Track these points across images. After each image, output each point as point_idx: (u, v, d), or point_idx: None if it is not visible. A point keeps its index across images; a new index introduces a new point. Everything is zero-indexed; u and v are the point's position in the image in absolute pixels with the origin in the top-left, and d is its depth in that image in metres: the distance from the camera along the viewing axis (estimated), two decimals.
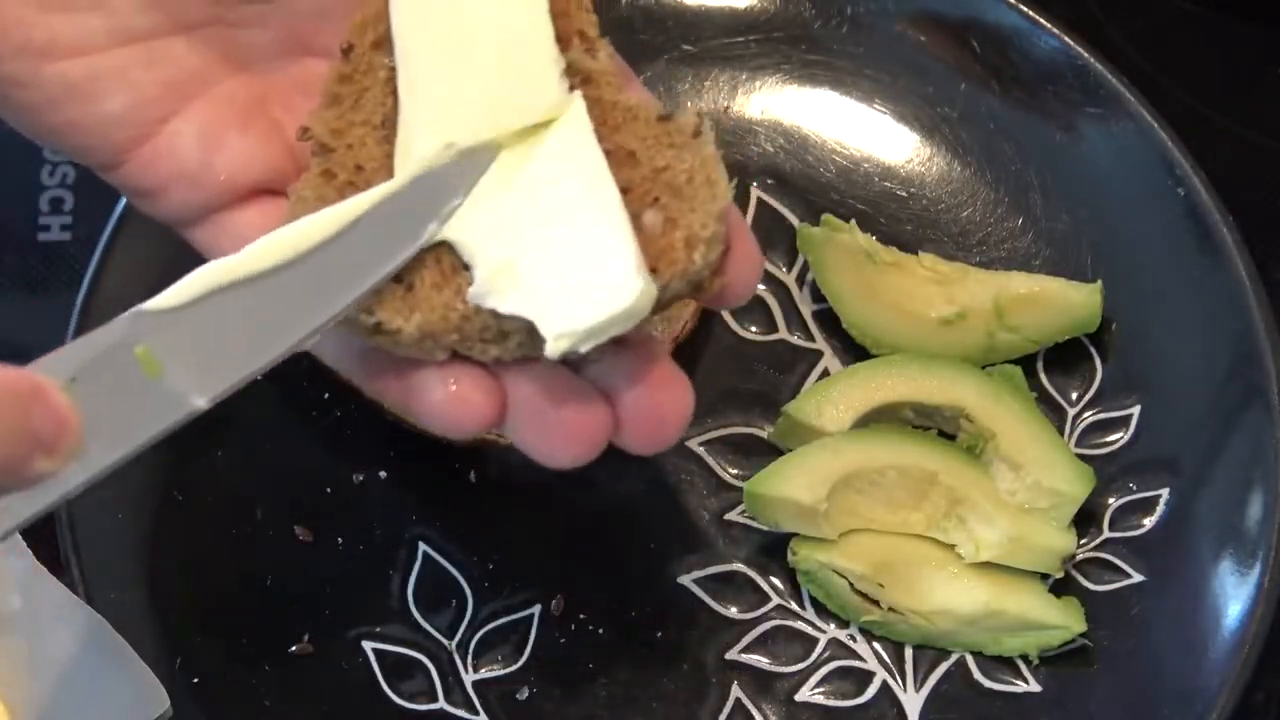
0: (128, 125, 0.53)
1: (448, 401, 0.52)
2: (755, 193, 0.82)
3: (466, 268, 0.52)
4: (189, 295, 0.48)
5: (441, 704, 0.72)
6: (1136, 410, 0.76)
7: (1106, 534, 0.74)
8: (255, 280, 0.48)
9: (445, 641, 0.73)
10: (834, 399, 0.74)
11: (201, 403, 0.48)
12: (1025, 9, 0.80)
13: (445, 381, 0.52)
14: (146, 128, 0.54)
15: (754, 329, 0.79)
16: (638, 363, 0.53)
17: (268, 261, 0.48)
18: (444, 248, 0.52)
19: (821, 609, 0.74)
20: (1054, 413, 0.77)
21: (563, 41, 0.55)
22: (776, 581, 0.74)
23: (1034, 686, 0.72)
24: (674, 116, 0.54)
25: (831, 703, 0.72)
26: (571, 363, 0.53)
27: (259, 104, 0.56)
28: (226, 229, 0.55)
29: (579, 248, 0.50)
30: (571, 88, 0.54)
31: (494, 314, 0.51)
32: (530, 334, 0.51)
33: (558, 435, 0.53)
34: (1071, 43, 0.79)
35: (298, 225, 0.50)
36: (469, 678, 0.72)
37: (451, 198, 0.51)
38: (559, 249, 0.50)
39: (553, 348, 0.49)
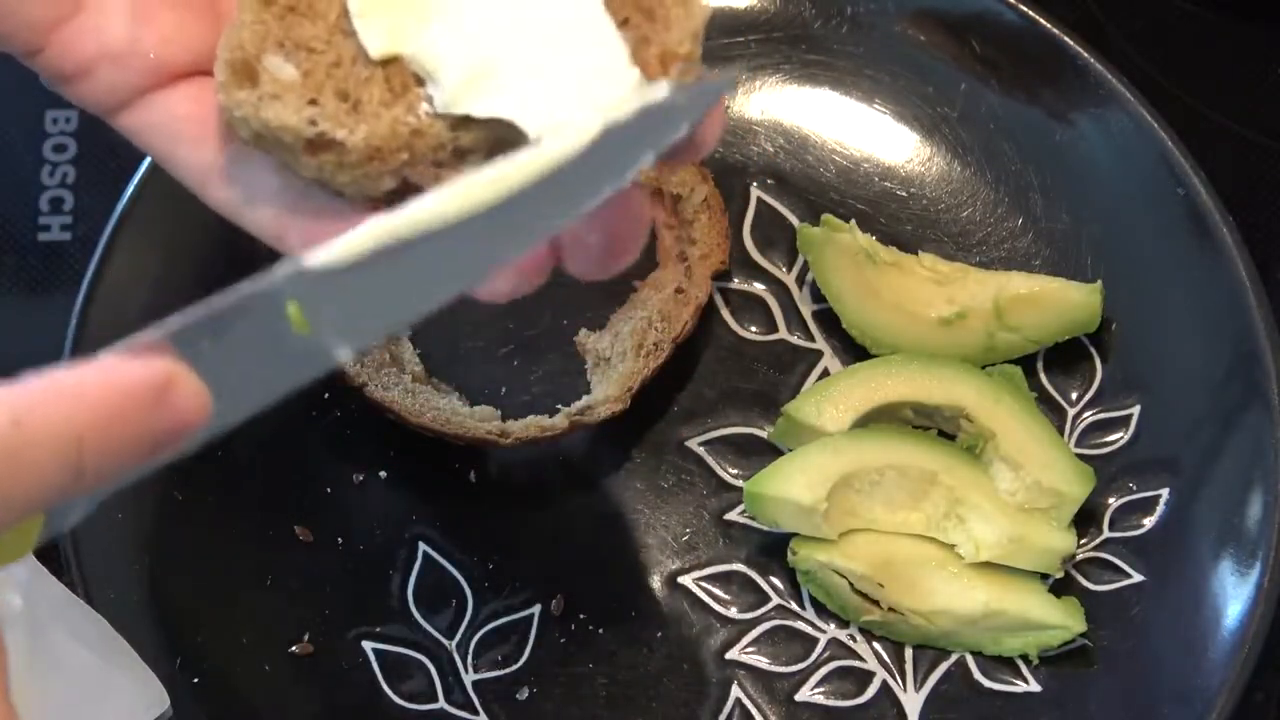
0: (48, 1, 0.50)
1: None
2: (755, 193, 0.82)
3: (421, 83, 0.50)
4: (350, 252, 0.45)
5: (441, 704, 0.72)
6: (1136, 410, 0.76)
7: (1106, 534, 0.74)
8: (419, 239, 0.45)
9: (445, 641, 0.73)
10: (834, 399, 0.74)
11: (344, 356, 0.45)
12: (1025, 9, 0.80)
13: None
14: (69, 4, 0.51)
15: (754, 329, 0.79)
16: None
17: (436, 220, 0.45)
18: (394, 64, 0.50)
19: (821, 609, 0.74)
20: (1054, 413, 0.77)
21: None
22: (776, 581, 0.74)
23: (1034, 686, 0.72)
24: None
25: (831, 703, 0.72)
26: None
27: None
28: (155, 112, 0.52)
29: (563, 47, 0.48)
30: None
31: (451, 128, 0.49)
32: (489, 154, 0.49)
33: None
34: (1071, 43, 0.79)
35: (472, 181, 0.46)
36: (469, 678, 0.72)
37: (642, 151, 0.46)
38: (541, 49, 0.49)
39: (533, 131, 0.47)
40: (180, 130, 0.52)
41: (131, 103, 0.52)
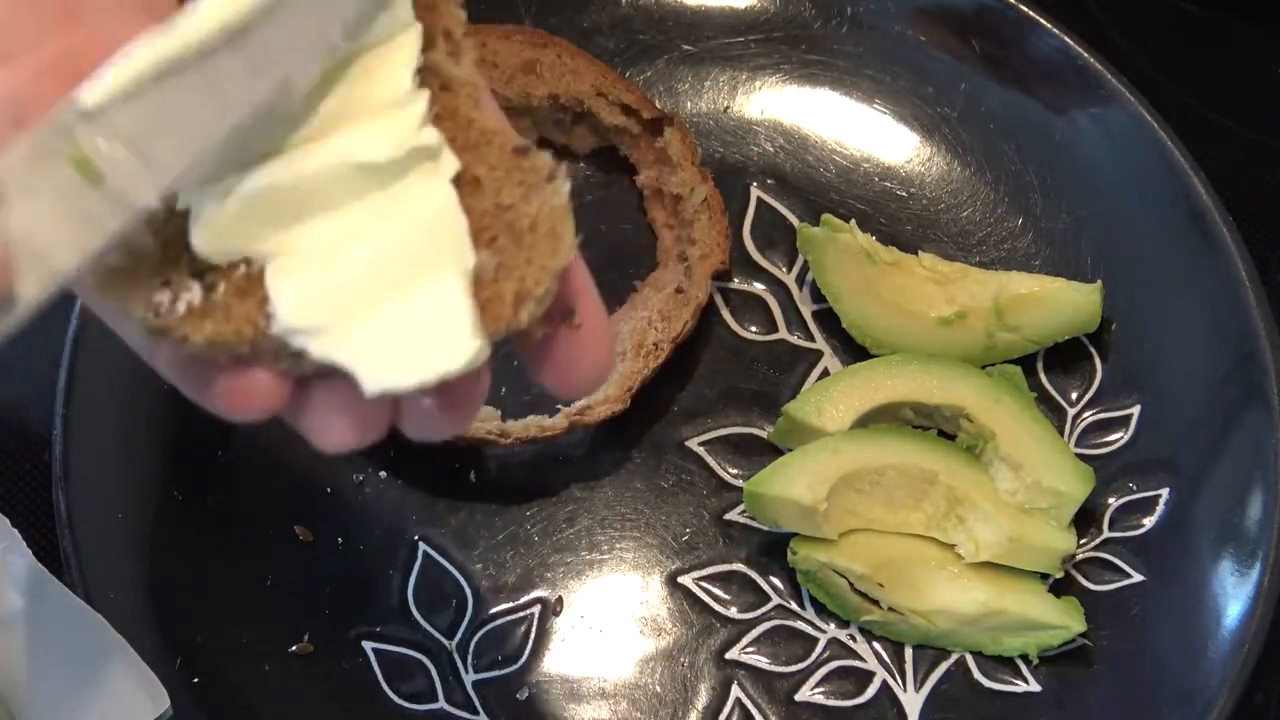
0: None
1: (233, 391, 0.47)
2: (755, 193, 0.82)
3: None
4: (122, 85, 0.43)
5: (441, 704, 0.72)
6: (1136, 410, 0.76)
7: (1106, 534, 0.74)
8: (193, 59, 0.43)
9: (445, 641, 0.73)
10: (834, 399, 0.74)
11: (148, 198, 0.43)
12: (1025, 9, 0.80)
13: (234, 373, 0.47)
14: None
15: (754, 329, 0.79)
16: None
17: (205, 34, 0.43)
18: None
19: (821, 609, 0.74)
20: (1054, 413, 0.77)
21: (426, 39, 0.48)
22: (776, 581, 0.74)
23: (1034, 686, 0.72)
24: (529, 152, 0.48)
25: (831, 702, 0.72)
26: None
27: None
28: None
29: (411, 294, 0.46)
30: (427, 89, 0.48)
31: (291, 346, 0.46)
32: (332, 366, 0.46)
33: (334, 428, 0.48)
34: (1071, 43, 0.79)
35: None
36: (469, 678, 0.72)
37: None
38: (386, 292, 0.46)
39: (371, 391, 0.45)
40: None
41: None
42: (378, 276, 0.46)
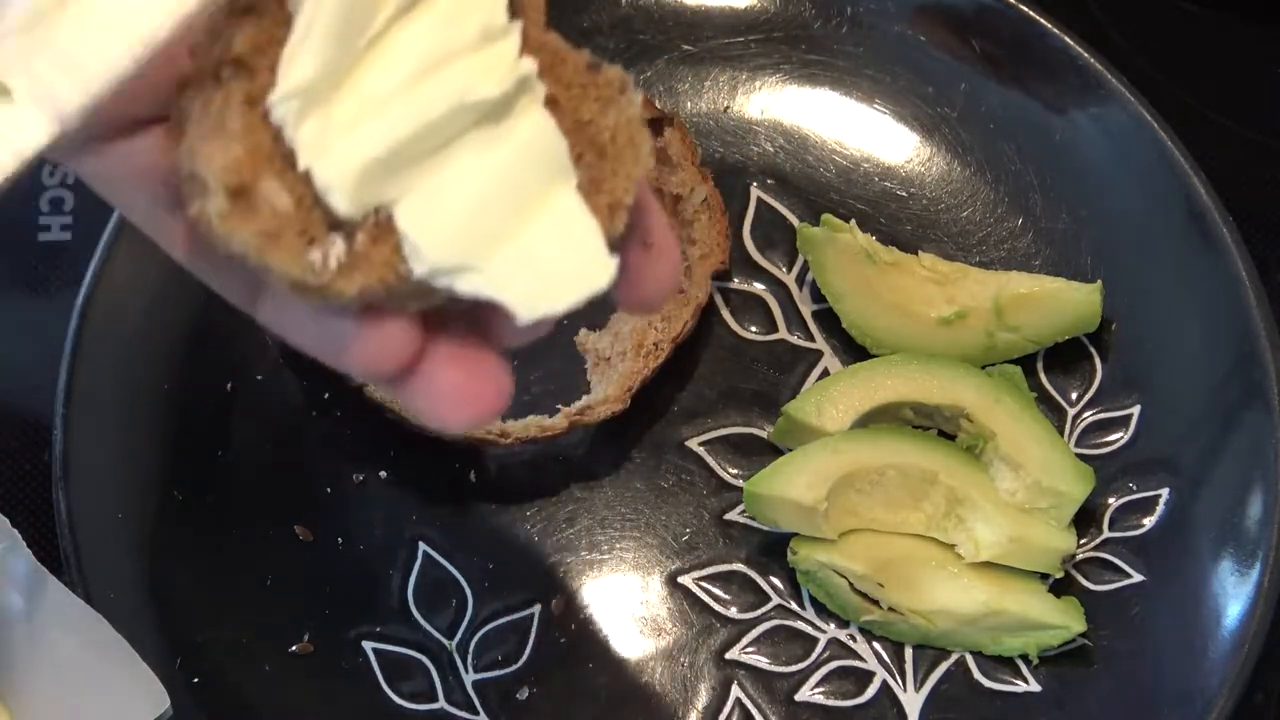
0: None
1: (367, 347, 0.46)
2: (755, 193, 0.82)
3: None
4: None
5: (441, 704, 0.72)
6: (1136, 410, 0.76)
7: (1106, 534, 0.74)
8: None
9: (445, 641, 0.73)
10: (834, 399, 0.74)
11: (66, 125, 0.42)
12: (1025, 9, 0.80)
13: (365, 321, 0.46)
14: None
15: (754, 329, 0.79)
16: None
17: None
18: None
19: (821, 609, 0.74)
20: (1054, 413, 0.77)
21: None
22: (776, 581, 0.74)
23: (1034, 686, 0.72)
24: (601, 68, 0.48)
25: (831, 703, 0.72)
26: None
27: None
28: (113, 162, 0.48)
29: (536, 221, 0.46)
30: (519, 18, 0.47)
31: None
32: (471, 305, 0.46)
33: (458, 400, 0.48)
34: (1071, 43, 0.79)
35: None
36: (469, 678, 0.72)
37: None
38: (513, 221, 0.46)
39: (525, 320, 0.46)
40: (138, 183, 0.49)
41: (90, 150, 0.49)
42: (502, 207, 0.46)
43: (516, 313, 0.45)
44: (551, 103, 0.48)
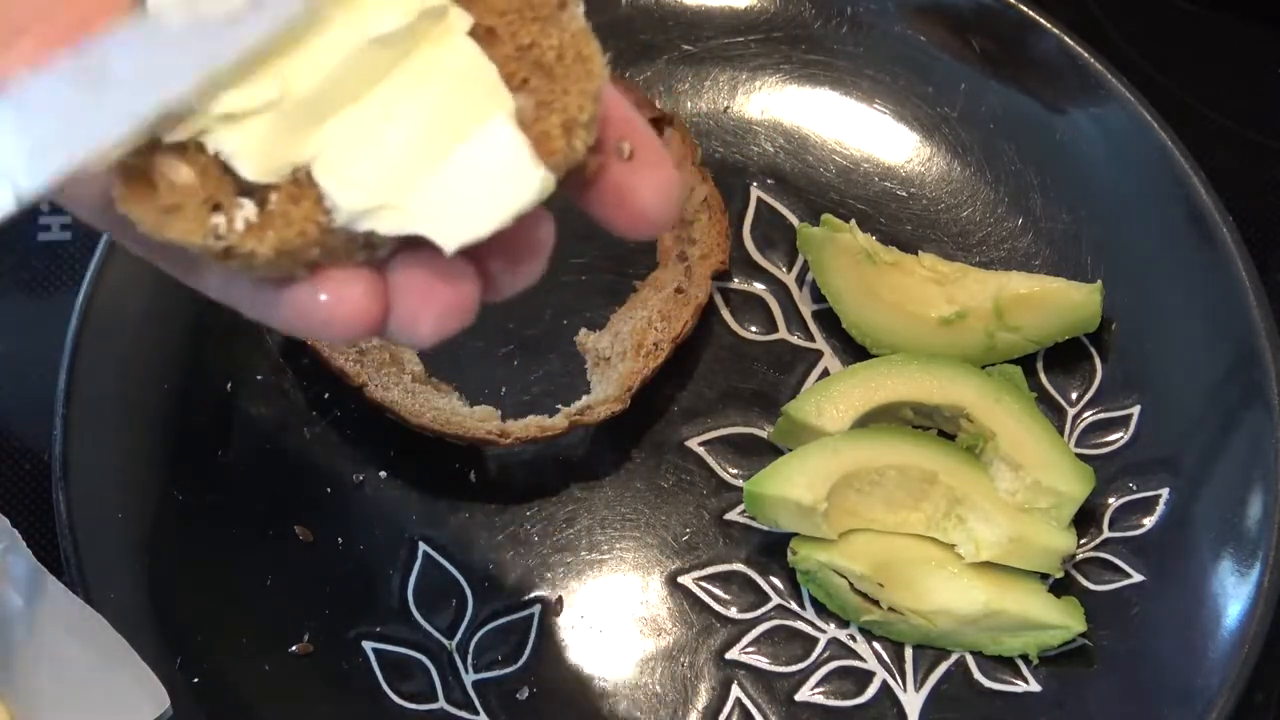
0: None
1: (325, 306, 0.46)
2: (755, 193, 0.82)
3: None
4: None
5: (441, 704, 0.72)
6: (1136, 410, 0.76)
7: (1106, 534, 0.74)
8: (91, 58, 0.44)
9: (445, 641, 0.73)
10: (834, 399, 0.74)
11: (19, 199, 0.44)
12: (1025, 9, 0.80)
13: (319, 287, 0.46)
14: None
15: (754, 329, 0.79)
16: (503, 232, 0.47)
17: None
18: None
19: (821, 609, 0.74)
20: (1054, 413, 0.77)
21: None
22: (776, 581, 0.74)
23: (1034, 686, 0.72)
24: None
25: (831, 703, 0.72)
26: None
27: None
28: (74, 187, 0.48)
29: (462, 150, 0.46)
30: None
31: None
32: (406, 239, 0.46)
33: (430, 310, 0.47)
34: (1071, 43, 0.79)
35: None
36: (469, 678, 0.72)
37: None
38: (437, 154, 0.46)
39: (450, 249, 0.45)
40: (89, 194, 0.48)
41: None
42: (424, 143, 0.46)
43: (441, 243, 0.45)
44: (489, 33, 0.47)
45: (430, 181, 0.45)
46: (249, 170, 0.45)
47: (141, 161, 0.46)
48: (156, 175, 0.46)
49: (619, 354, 0.76)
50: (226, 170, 0.46)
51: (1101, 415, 0.77)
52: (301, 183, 0.46)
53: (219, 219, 0.45)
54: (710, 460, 0.77)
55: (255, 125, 0.46)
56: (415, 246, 0.46)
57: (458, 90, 0.46)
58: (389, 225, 0.45)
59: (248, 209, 0.46)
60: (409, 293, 0.46)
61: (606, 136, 0.48)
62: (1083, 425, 0.77)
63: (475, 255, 0.46)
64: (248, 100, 0.45)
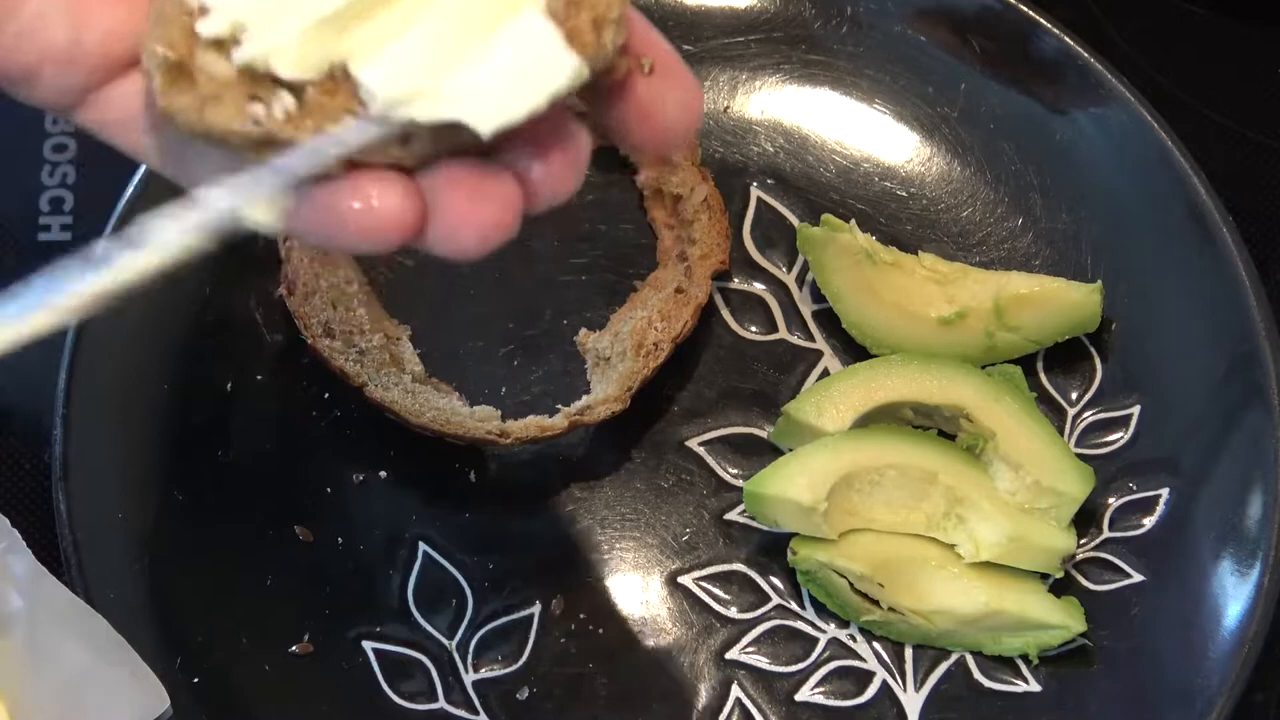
0: None
1: (363, 212, 0.47)
2: (755, 193, 0.82)
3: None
4: None
5: (441, 704, 0.72)
6: (1136, 410, 0.76)
7: (1106, 534, 0.74)
8: None
9: (445, 641, 0.73)
10: (834, 399, 0.74)
11: None
12: (1025, 9, 0.80)
13: (354, 191, 0.47)
14: (5, 9, 0.49)
15: (754, 329, 0.79)
16: (540, 135, 0.48)
17: None
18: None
19: (821, 609, 0.74)
20: (1054, 413, 0.77)
21: None
22: (776, 581, 0.74)
23: (1034, 686, 0.72)
24: None
25: (831, 703, 0.72)
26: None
27: None
28: (111, 108, 0.51)
29: (495, 39, 0.47)
30: None
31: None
32: (438, 131, 0.47)
33: (472, 222, 0.47)
34: (1071, 43, 0.79)
35: None
36: (469, 678, 0.72)
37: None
38: (471, 43, 0.47)
39: (486, 132, 0.46)
40: (139, 122, 0.51)
41: (84, 101, 0.51)
42: (458, 32, 0.47)
43: (477, 126, 0.46)
44: None
45: (465, 70, 0.46)
46: (286, 68, 0.47)
47: (181, 58, 0.47)
48: (196, 70, 0.47)
49: (619, 354, 0.76)
50: (265, 70, 0.47)
51: (1101, 415, 0.77)
52: (338, 78, 0.47)
53: (257, 107, 0.47)
54: (710, 460, 0.77)
55: (292, 23, 0.47)
56: (452, 158, 0.47)
57: None
58: (425, 112, 0.46)
59: (286, 99, 0.47)
60: (450, 197, 0.47)
61: (631, 47, 0.48)
62: (1083, 425, 0.77)
63: (513, 163, 0.47)
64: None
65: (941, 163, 0.82)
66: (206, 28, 0.47)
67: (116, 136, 0.52)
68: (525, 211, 0.48)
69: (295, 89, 0.47)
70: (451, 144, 0.47)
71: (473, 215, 0.47)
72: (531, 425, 0.75)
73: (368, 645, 0.73)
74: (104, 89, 0.51)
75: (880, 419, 0.75)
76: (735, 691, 0.72)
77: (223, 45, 0.47)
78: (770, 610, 0.74)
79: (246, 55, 0.47)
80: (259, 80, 0.47)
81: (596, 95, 0.48)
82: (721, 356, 0.79)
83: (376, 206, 0.47)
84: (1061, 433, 0.76)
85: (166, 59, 0.47)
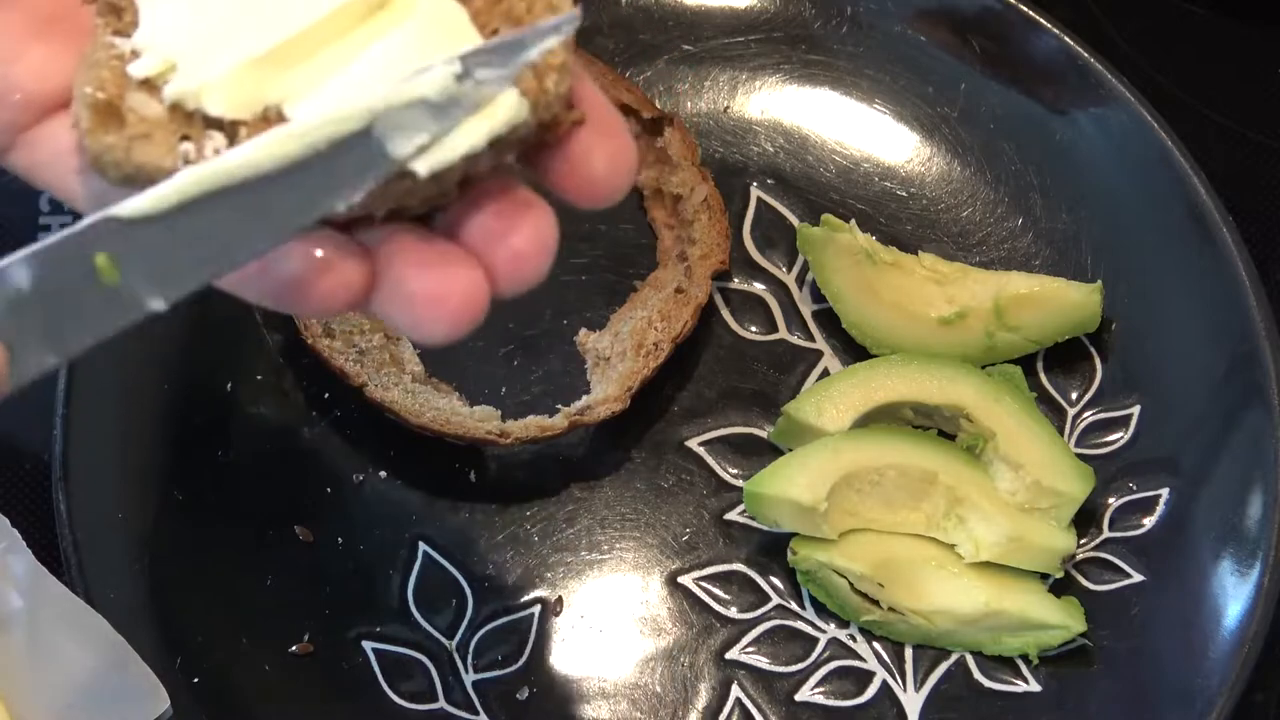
0: None
1: (312, 270, 0.45)
2: (755, 193, 0.82)
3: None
4: (164, 202, 0.44)
5: (441, 704, 0.72)
6: (1136, 410, 0.76)
7: (1106, 534, 0.74)
8: (234, 188, 0.44)
9: (445, 641, 0.73)
10: (834, 399, 0.74)
11: (157, 306, 0.44)
12: (1025, 9, 0.80)
13: (307, 250, 0.45)
14: None
15: (754, 329, 0.79)
16: (494, 206, 0.47)
17: (252, 170, 0.44)
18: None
19: (821, 609, 0.74)
20: (1054, 413, 0.77)
21: None
22: (776, 581, 0.74)
23: (1034, 686, 0.72)
24: None
25: (831, 703, 0.72)
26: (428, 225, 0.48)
27: (65, 6, 0.49)
28: (40, 150, 0.49)
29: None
30: None
31: None
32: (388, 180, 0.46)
33: (431, 304, 0.46)
34: (1071, 43, 0.79)
35: (282, 131, 0.45)
36: (469, 678, 0.72)
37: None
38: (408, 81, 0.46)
39: (423, 171, 0.45)
40: (69, 163, 0.49)
41: (14, 143, 0.49)
42: (394, 74, 0.46)
43: (414, 166, 0.45)
44: None
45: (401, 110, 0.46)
46: (217, 106, 0.46)
47: (111, 99, 0.46)
48: (126, 110, 0.46)
49: (619, 354, 0.76)
50: (196, 110, 0.46)
51: (1101, 415, 0.77)
52: (271, 120, 0.46)
53: (188, 146, 0.46)
54: (710, 460, 0.77)
55: (224, 62, 0.46)
56: (402, 229, 0.46)
57: (430, 33, 0.47)
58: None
59: (218, 140, 0.46)
60: (403, 266, 0.46)
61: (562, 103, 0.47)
62: (1083, 425, 0.77)
63: (480, 251, 0.46)
64: (220, 47, 0.46)
65: (941, 163, 0.82)
66: (138, 69, 0.46)
67: (47, 178, 0.50)
68: (493, 294, 0.47)
69: (228, 130, 0.46)
70: (395, 195, 0.46)
71: (434, 287, 0.46)
72: (531, 425, 0.75)
73: (368, 645, 0.73)
74: (34, 130, 0.49)
75: (880, 419, 0.75)
76: (735, 691, 0.72)
77: (154, 86, 0.46)
78: (770, 610, 0.74)
79: (176, 90, 0.46)
80: (190, 120, 0.46)
81: (541, 138, 0.47)
82: (721, 356, 0.79)
83: (326, 261, 0.46)
84: (1061, 433, 0.76)
85: (96, 99, 0.46)
